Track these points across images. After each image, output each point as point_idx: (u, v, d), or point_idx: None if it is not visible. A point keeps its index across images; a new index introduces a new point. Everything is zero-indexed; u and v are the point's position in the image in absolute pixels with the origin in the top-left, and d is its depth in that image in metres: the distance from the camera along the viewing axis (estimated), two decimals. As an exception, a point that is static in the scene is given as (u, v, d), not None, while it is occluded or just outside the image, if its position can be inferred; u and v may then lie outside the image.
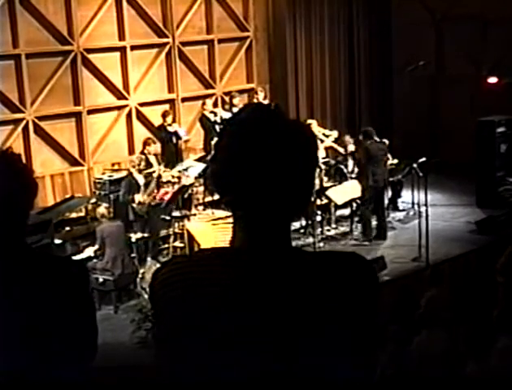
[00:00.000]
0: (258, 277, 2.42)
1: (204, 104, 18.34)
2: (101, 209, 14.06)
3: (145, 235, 14.77)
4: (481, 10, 18.74)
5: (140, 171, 15.33)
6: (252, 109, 2.63)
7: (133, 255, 14.32)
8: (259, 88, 19.30)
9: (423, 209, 14.90)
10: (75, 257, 12.94)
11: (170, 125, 17.60)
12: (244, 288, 2.41)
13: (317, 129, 17.03)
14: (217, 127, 17.88)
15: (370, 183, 15.40)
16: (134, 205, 14.85)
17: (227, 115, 18.06)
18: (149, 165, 16.01)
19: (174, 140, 17.66)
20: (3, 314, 3.15)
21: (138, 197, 14.84)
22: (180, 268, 2.55)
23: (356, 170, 16.91)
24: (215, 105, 19.22)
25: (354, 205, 16.57)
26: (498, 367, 5.15)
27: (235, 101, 18.79)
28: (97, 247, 13.54)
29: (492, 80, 18.33)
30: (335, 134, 18.11)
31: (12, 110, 16.80)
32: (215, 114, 18.20)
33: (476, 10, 18.76)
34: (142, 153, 16.39)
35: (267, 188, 2.42)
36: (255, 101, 18.41)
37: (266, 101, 18.37)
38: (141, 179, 15.17)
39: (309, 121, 17.33)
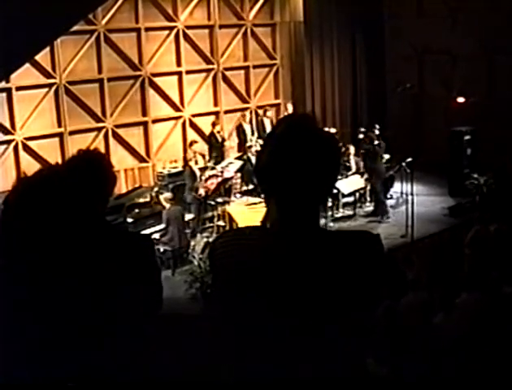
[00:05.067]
0: (287, 247, 2.45)
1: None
2: (166, 194, 14.18)
3: (194, 215, 14.90)
4: (451, 47, 18.66)
5: (196, 163, 15.47)
6: (289, 120, 2.66)
7: (187, 231, 14.50)
8: (289, 104, 19.27)
9: (409, 197, 14.83)
10: (143, 232, 13.08)
11: (219, 132, 17.77)
12: (277, 255, 2.45)
13: None
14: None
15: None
16: (195, 189, 14.98)
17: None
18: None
19: (221, 143, 17.79)
20: (93, 273, 3.15)
21: (196, 184, 14.99)
22: (232, 239, 2.63)
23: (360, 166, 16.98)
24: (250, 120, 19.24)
25: (357, 194, 16.63)
26: (458, 316, 5.24)
27: (268, 113, 18.89)
28: (163, 226, 13.61)
29: (461, 99, 18.27)
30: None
31: (96, 120, 17.00)
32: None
33: (448, 46, 18.68)
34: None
35: (299, 180, 2.44)
36: (285, 113, 18.41)
37: (289, 111, 18.56)
38: (197, 171, 15.30)
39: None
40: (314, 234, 2.51)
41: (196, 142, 16.71)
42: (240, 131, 18.50)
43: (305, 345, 2.44)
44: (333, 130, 18.15)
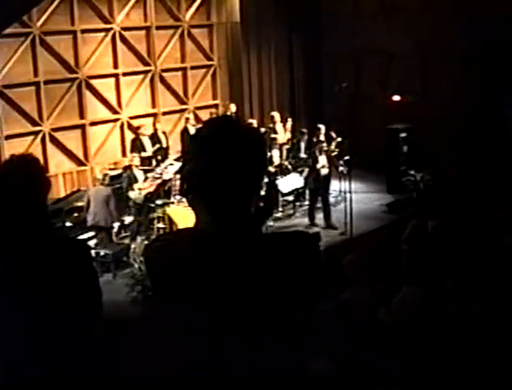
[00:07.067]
0: (221, 251, 2.43)
1: (188, 119, 18.13)
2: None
3: (134, 218, 14.76)
4: (386, 46, 18.86)
5: (136, 166, 15.23)
6: (213, 122, 2.63)
7: (127, 234, 14.38)
8: (232, 104, 19.25)
9: (347, 195, 14.92)
10: (82, 236, 12.97)
11: (164, 133, 17.73)
12: (211, 258, 2.43)
13: None
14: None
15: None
16: (132, 193, 14.77)
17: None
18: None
19: (164, 144, 17.62)
20: (30, 278, 3.13)
21: (138, 186, 14.78)
22: (166, 242, 2.58)
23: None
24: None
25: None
26: (399, 311, 5.28)
27: (230, 111, 18.77)
28: (84, 204, 13.78)
29: (396, 98, 18.52)
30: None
31: (33, 124, 16.73)
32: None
33: (383, 46, 18.87)
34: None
35: (227, 180, 2.43)
36: (228, 113, 18.39)
37: (232, 110, 18.60)
38: (138, 173, 15.06)
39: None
40: (247, 236, 2.49)
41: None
42: (184, 135, 18.18)
43: (245, 346, 2.43)
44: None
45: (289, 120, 18.64)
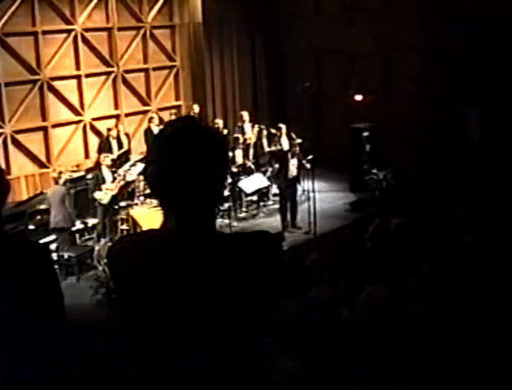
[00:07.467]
0: (184, 252, 2.42)
1: (152, 118, 17.92)
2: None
3: (99, 220, 14.62)
4: (348, 46, 18.93)
5: (108, 166, 15.02)
6: (175, 122, 2.65)
7: (91, 236, 14.29)
8: (195, 105, 19.15)
9: (311, 194, 14.94)
10: (42, 241, 12.81)
11: (127, 134, 17.60)
12: (174, 259, 2.42)
13: None
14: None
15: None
16: (98, 193, 14.55)
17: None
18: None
19: (126, 146, 17.47)
20: None
21: (105, 186, 14.57)
22: (129, 244, 2.57)
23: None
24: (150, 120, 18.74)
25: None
26: (363, 309, 5.30)
27: (193, 112, 18.61)
28: (47, 206, 13.61)
29: (358, 97, 18.59)
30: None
31: (-6, 126, 16.57)
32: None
33: (344, 45, 18.94)
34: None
35: (189, 182, 2.42)
36: (191, 113, 18.31)
37: (196, 111, 18.51)
38: (107, 174, 14.83)
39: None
40: (210, 237, 2.49)
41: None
42: (148, 134, 17.80)
43: (210, 347, 2.41)
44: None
45: (256, 126, 18.57)
